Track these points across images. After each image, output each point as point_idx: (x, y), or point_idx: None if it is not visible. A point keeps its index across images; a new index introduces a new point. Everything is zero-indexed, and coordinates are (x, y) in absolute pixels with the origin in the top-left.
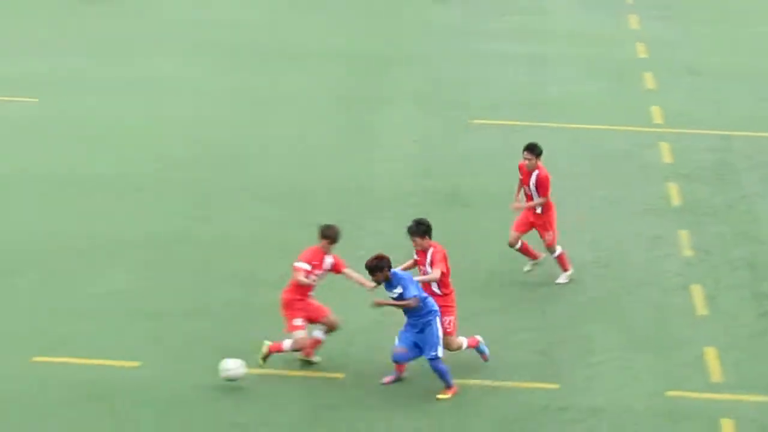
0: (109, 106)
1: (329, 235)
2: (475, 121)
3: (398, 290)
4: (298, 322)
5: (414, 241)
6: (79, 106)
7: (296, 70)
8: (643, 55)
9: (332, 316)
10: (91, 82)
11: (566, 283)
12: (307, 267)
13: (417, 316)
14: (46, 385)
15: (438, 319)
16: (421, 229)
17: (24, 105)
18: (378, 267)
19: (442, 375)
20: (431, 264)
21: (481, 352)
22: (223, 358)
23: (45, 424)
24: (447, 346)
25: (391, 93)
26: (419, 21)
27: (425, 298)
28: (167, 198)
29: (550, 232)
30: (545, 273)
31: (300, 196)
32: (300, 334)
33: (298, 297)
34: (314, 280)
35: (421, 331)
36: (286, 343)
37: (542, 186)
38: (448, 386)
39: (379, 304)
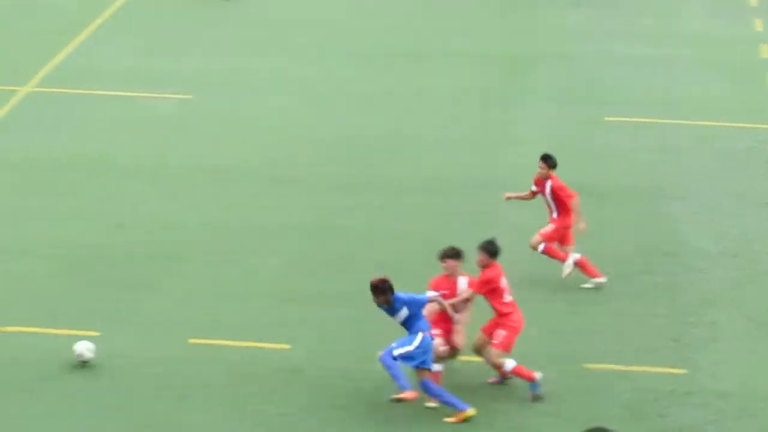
0: (260, 102)
1: (440, 255)
2: (608, 119)
3: (404, 313)
4: (436, 332)
5: (478, 255)
6: (231, 103)
7: (435, 71)
8: (766, 56)
9: (460, 343)
10: (242, 79)
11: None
12: (433, 294)
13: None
14: (202, 366)
15: (419, 335)
16: (487, 248)
17: (179, 101)
18: (381, 289)
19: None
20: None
21: (531, 387)
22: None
23: (200, 404)
24: (486, 355)
25: (526, 91)
26: (552, 23)
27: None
28: (315, 190)
29: (549, 232)
30: (675, 262)
31: (438, 189)
32: (435, 341)
33: (440, 318)
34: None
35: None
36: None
37: (563, 193)
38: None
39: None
